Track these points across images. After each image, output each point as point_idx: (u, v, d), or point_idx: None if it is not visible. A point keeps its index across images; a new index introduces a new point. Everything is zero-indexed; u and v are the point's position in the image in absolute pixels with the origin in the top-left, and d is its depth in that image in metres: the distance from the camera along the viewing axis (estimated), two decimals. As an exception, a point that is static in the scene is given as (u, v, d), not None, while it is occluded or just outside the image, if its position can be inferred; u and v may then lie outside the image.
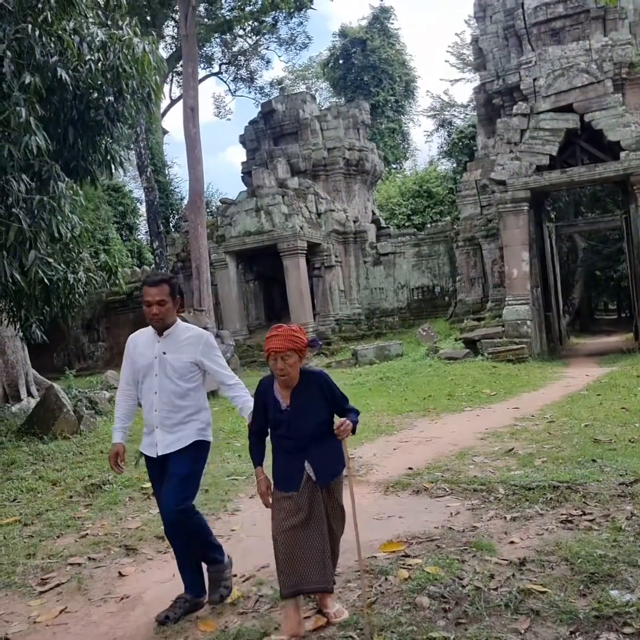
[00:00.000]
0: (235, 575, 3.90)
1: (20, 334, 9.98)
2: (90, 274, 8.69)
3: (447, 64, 57.43)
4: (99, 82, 7.87)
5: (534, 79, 18.21)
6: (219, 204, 28.66)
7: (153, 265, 24.11)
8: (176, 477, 3.45)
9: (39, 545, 4.73)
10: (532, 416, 8.43)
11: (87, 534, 4.95)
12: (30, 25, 6.82)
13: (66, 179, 7.91)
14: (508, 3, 20.23)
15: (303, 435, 3.20)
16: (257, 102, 34.96)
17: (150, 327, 3.61)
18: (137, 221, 35.22)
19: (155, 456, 3.54)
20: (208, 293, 18.30)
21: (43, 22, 6.90)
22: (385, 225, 24.96)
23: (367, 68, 36.62)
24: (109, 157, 8.77)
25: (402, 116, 39.46)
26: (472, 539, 4.05)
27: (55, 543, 4.82)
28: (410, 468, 6.10)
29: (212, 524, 5.00)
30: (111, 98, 8.16)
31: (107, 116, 8.27)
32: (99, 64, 7.67)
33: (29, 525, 5.31)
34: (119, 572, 4.14)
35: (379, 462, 6.56)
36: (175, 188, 36.17)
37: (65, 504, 5.85)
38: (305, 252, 20.02)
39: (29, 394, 10.91)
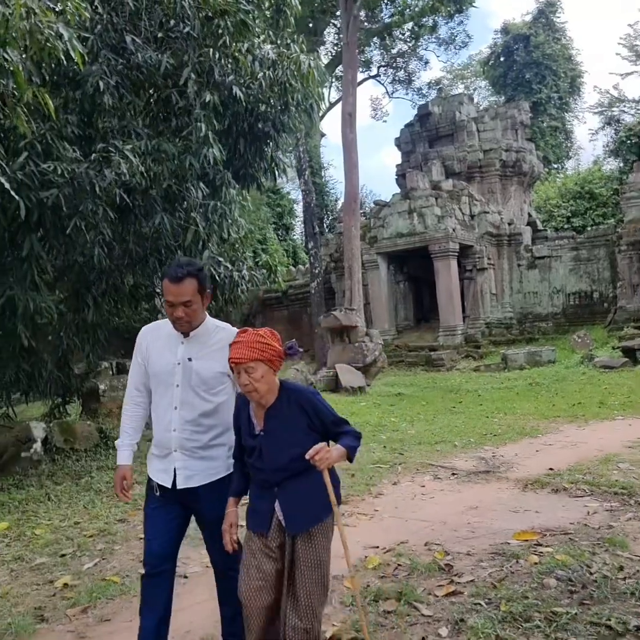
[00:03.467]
0: (377, 547, 4.32)
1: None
2: (252, 272, 9.48)
3: (618, 57, 54.06)
4: (268, 96, 8.62)
5: None
6: (372, 205, 29.32)
7: (307, 265, 25.17)
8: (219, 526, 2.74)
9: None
10: (690, 429, 8.10)
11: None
12: (211, 49, 7.66)
13: (236, 185, 8.76)
14: (686, -8, 19.00)
15: (276, 468, 2.59)
16: (414, 104, 35.18)
17: (168, 321, 2.91)
18: (293, 222, 36.79)
19: (170, 485, 2.83)
20: (359, 293, 18.91)
21: (222, 45, 7.71)
22: (542, 228, 24.31)
23: (530, 65, 35.64)
24: (273, 165, 9.53)
25: (565, 114, 37.98)
26: (606, 536, 4.17)
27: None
28: (551, 469, 6.20)
29: (357, 504, 5.49)
30: (278, 110, 8.89)
31: (274, 127, 9.00)
32: (268, 80, 8.41)
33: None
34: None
35: (520, 462, 6.69)
36: (330, 190, 37.42)
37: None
38: (456, 254, 20.06)
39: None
